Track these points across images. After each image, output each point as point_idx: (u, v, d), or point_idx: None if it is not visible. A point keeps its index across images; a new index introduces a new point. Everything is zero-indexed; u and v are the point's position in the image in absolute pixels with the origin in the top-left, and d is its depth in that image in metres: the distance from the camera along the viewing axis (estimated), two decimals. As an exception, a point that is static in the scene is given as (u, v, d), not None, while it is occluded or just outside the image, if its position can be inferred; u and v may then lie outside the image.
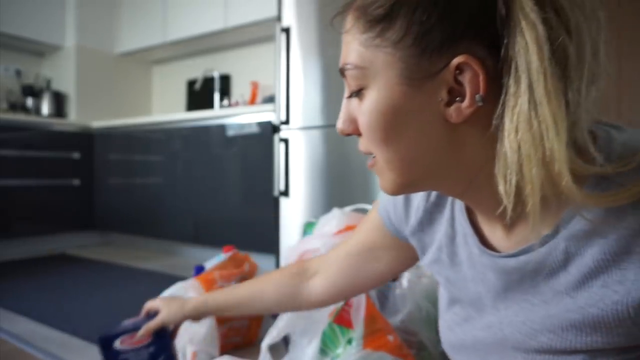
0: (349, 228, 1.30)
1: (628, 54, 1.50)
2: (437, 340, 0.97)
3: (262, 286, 0.80)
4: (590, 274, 0.40)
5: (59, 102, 3.49)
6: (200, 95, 3.57)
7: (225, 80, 3.45)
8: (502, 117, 0.39)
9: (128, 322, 0.87)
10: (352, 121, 0.47)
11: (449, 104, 0.41)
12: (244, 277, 1.34)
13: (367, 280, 0.71)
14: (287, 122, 2.11)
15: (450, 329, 0.56)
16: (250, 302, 0.80)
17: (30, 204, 2.91)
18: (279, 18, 2.14)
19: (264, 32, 3.00)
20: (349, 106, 0.47)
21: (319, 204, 2.02)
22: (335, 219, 1.35)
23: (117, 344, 0.83)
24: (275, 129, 2.20)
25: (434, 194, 0.57)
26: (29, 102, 3.48)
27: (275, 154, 2.20)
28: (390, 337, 0.90)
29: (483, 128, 0.41)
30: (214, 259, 1.41)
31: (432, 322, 1.02)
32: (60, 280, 2.19)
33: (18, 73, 3.55)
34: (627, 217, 0.38)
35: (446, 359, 0.63)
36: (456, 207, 0.54)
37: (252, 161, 2.44)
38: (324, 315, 0.96)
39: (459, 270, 0.55)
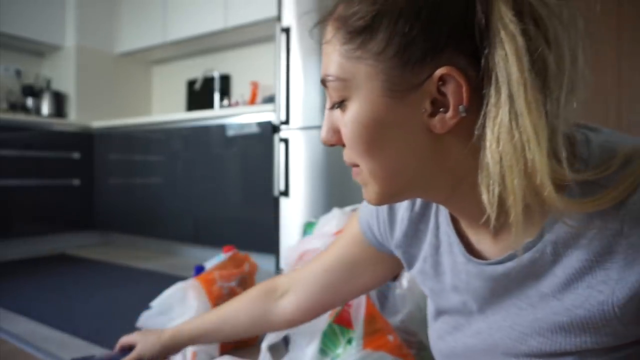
0: (349, 228, 1.30)
1: (628, 54, 1.50)
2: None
3: (232, 312, 0.78)
4: (575, 275, 0.41)
5: (59, 102, 3.49)
6: (200, 95, 3.57)
7: (225, 80, 3.45)
8: (483, 127, 0.39)
9: (101, 356, 0.85)
10: (336, 131, 0.47)
11: (432, 114, 0.41)
12: (244, 277, 1.34)
13: (346, 296, 0.69)
14: (287, 122, 2.11)
15: (441, 338, 0.56)
16: (222, 328, 0.78)
17: (30, 204, 2.91)
18: (279, 18, 2.14)
19: (264, 32, 3.01)
20: (331, 116, 0.47)
21: (319, 204, 2.02)
22: (335, 219, 1.35)
23: None
24: (275, 129, 2.21)
25: (418, 204, 0.56)
26: (29, 102, 3.48)
27: (275, 154, 2.20)
28: (390, 337, 0.90)
29: (466, 138, 0.41)
30: (214, 259, 1.41)
31: (432, 322, 1.02)
32: (60, 280, 2.19)
33: (18, 73, 3.55)
34: (609, 219, 0.38)
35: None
36: (441, 216, 0.54)
37: (252, 161, 2.44)
38: (324, 316, 0.96)
39: (442, 280, 0.55)
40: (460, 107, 0.40)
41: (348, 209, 1.45)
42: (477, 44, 0.38)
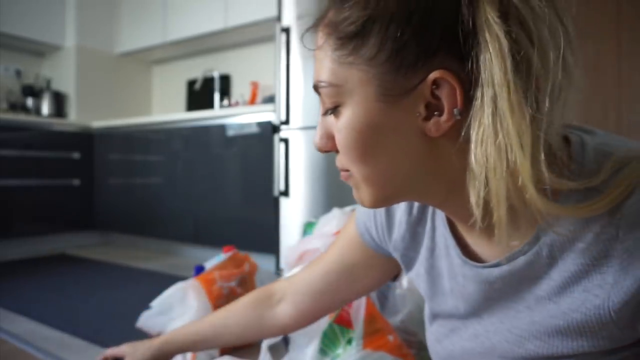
0: (349, 228, 1.30)
1: (628, 54, 1.50)
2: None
3: (225, 319, 0.77)
4: (571, 279, 0.41)
5: (59, 102, 3.49)
6: (200, 95, 3.57)
7: (225, 80, 3.45)
8: (469, 129, 0.39)
9: None
10: (330, 137, 0.46)
11: (427, 118, 0.41)
12: (244, 277, 1.34)
13: (344, 299, 0.69)
14: (287, 122, 2.11)
15: (438, 341, 0.56)
16: (215, 336, 0.77)
17: (30, 204, 2.91)
18: (279, 18, 2.14)
19: (264, 32, 3.01)
20: (325, 122, 0.47)
21: (319, 204, 2.02)
22: (335, 219, 1.35)
23: None
24: (275, 129, 2.21)
25: (416, 207, 0.56)
26: (29, 102, 3.48)
27: (275, 154, 2.20)
28: (390, 337, 0.90)
29: (458, 140, 0.41)
30: (214, 259, 1.41)
31: (432, 322, 1.02)
32: (60, 280, 2.19)
33: (18, 73, 3.55)
34: (604, 224, 0.38)
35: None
36: (437, 219, 0.54)
37: (252, 161, 2.44)
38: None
39: (437, 283, 0.55)
40: (455, 110, 0.40)
41: (348, 209, 1.45)
42: (466, 46, 0.38)
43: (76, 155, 3.16)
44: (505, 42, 0.36)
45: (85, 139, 3.23)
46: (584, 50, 0.41)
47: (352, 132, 0.43)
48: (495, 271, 0.46)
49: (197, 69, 3.62)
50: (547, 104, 0.37)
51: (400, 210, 0.58)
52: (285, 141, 2.12)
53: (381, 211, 0.60)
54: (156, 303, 1.25)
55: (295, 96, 2.09)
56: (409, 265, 0.59)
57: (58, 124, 3.11)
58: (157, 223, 2.93)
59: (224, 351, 1.22)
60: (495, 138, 0.36)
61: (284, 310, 0.73)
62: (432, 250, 0.54)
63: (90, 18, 3.59)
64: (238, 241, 2.09)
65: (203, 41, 3.35)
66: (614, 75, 1.53)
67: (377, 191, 0.45)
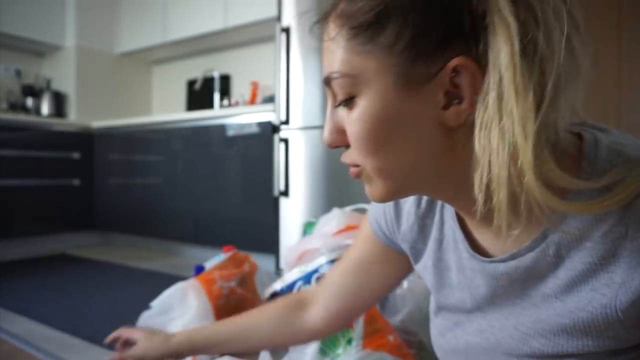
0: (349, 228, 1.30)
1: (628, 54, 1.50)
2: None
3: (254, 321, 0.75)
4: (579, 277, 0.40)
5: (59, 102, 3.49)
6: (200, 95, 3.57)
7: (225, 80, 3.45)
8: (476, 113, 0.39)
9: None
10: (340, 132, 0.46)
11: (445, 107, 0.40)
12: (244, 277, 1.34)
13: (366, 299, 0.68)
14: (287, 122, 2.11)
15: (442, 335, 0.56)
16: (240, 338, 0.74)
17: (30, 204, 2.91)
18: (279, 18, 2.14)
19: (264, 32, 3.01)
20: (335, 117, 0.46)
21: (319, 204, 2.02)
22: (335, 219, 1.35)
23: None
24: (275, 129, 2.21)
25: (424, 199, 0.56)
26: (29, 102, 3.48)
27: (275, 154, 2.20)
28: (390, 337, 0.90)
29: (472, 127, 0.40)
30: (214, 259, 1.41)
31: (432, 322, 1.02)
32: (60, 280, 2.19)
33: (18, 73, 3.55)
34: (614, 222, 0.38)
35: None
36: (446, 212, 0.53)
37: (252, 161, 2.44)
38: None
39: (444, 276, 0.55)
40: (477, 98, 0.39)
41: (348, 209, 1.45)
42: (477, 30, 0.38)
43: (76, 155, 3.16)
44: (513, 25, 0.36)
45: (85, 139, 3.23)
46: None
47: (368, 123, 0.42)
48: (501, 267, 0.45)
49: (197, 69, 3.62)
50: (551, 90, 0.37)
51: (408, 202, 0.58)
52: (285, 141, 2.12)
53: (390, 204, 0.60)
54: (156, 303, 1.25)
55: (295, 96, 2.09)
56: (417, 258, 0.59)
57: (58, 124, 3.11)
58: (157, 223, 2.93)
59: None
60: (499, 121, 0.36)
61: (314, 314, 0.71)
62: (440, 242, 0.54)
63: (90, 18, 3.59)
64: (238, 241, 2.08)
65: (203, 41, 3.35)
66: (614, 75, 1.52)
67: (390, 184, 0.45)
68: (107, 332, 1.46)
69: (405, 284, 1.11)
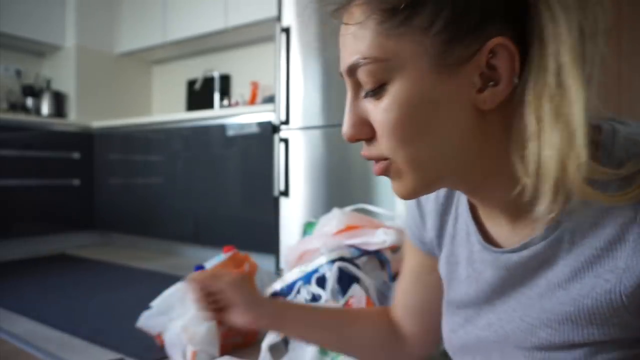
0: (349, 228, 1.30)
1: (628, 54, 1.50)
2: (437, 340, 0.97)
3: (356, 327, 0.67)
4: (584, 265, 0.40)
5: (59, 102, 3.49)
6: (200, 95, 3.57)
7: (225, 80, 3.45)
8: (524, 92, 0.38)
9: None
10: (365, 124, 0.44)
11: (480, 90, 0.40)
12: (244, 277, 1.34)
13: (432, 310, 0.63)
14: (287, 122, 2.11)
15: (453, 331, 0.56)
16: (337, 336, 0.65)
17: (30, 204, 2.91)
18: (279, 18, 2.14)
19: (264, 32, 3.00)
20: (357, 108, 0.44)
21: (319, 204, 2.02)
22: (335, 219, 1.35)
23: None
24: (275, 129, 2.21)
25: (442, 196, 0.56)
26: (29, 102, 3.48)
27: (275, 154, 2.20)
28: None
29: (507, 112, 0.40)
30: (214, 259, 1.41)
31: (432, 322, 1.02)
32: (60, 280, 2.19)
33: (18, 73, 3.55)
34: (625, 208, 0.38)
35: (447, 359, 0.62)
36: (461, 206, 0.54)
37: (252, 161, 2.44)
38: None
39: (454, 270, 0.55)
40: (515, 78, 0.39)
41: (348, 209, 1.45)
42: (517, 9, 0.38)
43: (76, 155, 3.16)
44: (573, 5, 0.36)
45: (85, 139, 3.23)
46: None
47: (401, 110, 0.41)
48: (514, 257, 0.45)
49: (197, 69, 3.62)
50: (593, 71, 0.37)
51: (430, 201, 0.58)
52: (285, 141, 2.12)
53: (412, 206, 0.60)
54: (156, 303, 1.25)
55: (295, 96, 2.09)
56: (437, 253, 0.59)
57: (58, 124, 3.11)
58: (157, 223, 2.93)
59: (224, 351, 1.22)
60: (553, 95, 0.36)
61: (409, 344, 0.67)
62: (453, 237, 0.54)
63: (90, 18, 3.59)
64: (238, 241, 2.08)
65: (203, 41, 3.35)
66: (613, 75, 1.52)
67: (421, 176, 0.43)
68: (107, 332, 1.46)
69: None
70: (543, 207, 0.38)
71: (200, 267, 1.35)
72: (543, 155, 0.37)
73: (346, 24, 0.43)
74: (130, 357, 1.26)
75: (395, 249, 1.30)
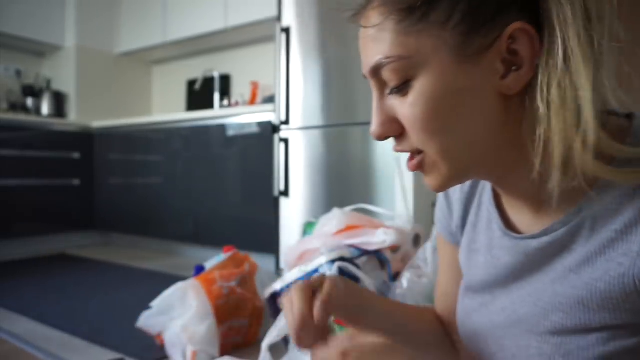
0: (349, 228, 1.30)
1: (628, 54, 1.50)
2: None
3: (421, 325, 0.65)
4: (599, 248, 0.41)
5: (59, 102, 3.49)
6: (200, 95, 3.57)
7: (225, 80, 3.45)
8: (536, 75, 0.40)
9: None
10: (393, 121, 0.45)
11: (504, 76, 0.41)
12: (244, 277, 1.34)
13: None
14: (287, 122, 2.11)
15: (468, 315, 0.56)
16: (404, 330, 0.62)
17: (30, 204, 2.91)
18: (279, 18, 2.14)
19: (264, 32, 3.01)
20: (384, 107, 0.45)
21: (319, 204, 2.02)
22: (335, 219, 1.35)
23: None
24: (275, 129, 2.21)
25: (467, 185, 0.57)
26: (29, 102, 3.48)
27: (275, 154, 2.20)
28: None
29: (526, 96, 0.41)
30: (214, 259, 1.41)
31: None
32: (60, 280, 2.19)
33: (18, 73, 3.55)
34: None
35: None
36: (485, 195, 0.55)
37: (252, 161, 2.44)
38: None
39: (473, 257, 0.55)
40: (536, 60, 0.40)
41: (348, 209, 1.45)
42: None
43: (76, 155, 3.16)
44: None
45: (85, 139, 3.23)
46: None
47: (429, 102, 0.42)
48: (534, 243, 0.46)
49: (197, 69, 3.62)
50: (602, 62, 0.38)
51: (456, 191, 0.59)
52: (285, 141, 2.12)
53: (442, 198, 0.61)
54: (156, 303, 1.25)
55: (295, 96, 2.09)
56: (460, 240, 0.60)
57: (58, 124, 3.11)
58: (157, 223, 2.93)
59: (224, 351, 1.22)
60: (563, 78, 0.38)
61: (454, 334, 0.65)
62: (475, 225, 0.55)
63: (90, 18, 3.59)
64: (238, 241, 2.09)
65: (203, 41, 3.35)
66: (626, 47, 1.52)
67: (454, 166, 0.44)
68: (107, 332, 1.46)
69: (405, 283, 1.12)
70: (551, 185, 0.39)
71: (200, 267, 1.36)
72: (549, 136, 0.38)
73: (365, 27, 0.44)
74: (130, 357, 1.26)
75: (395, 249, 1.30)
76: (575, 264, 0.42)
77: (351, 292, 0.55)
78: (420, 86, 0.42)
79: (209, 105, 3.48)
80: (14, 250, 2.87)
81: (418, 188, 1.73)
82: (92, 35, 3.61)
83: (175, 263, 2.67)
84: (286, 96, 2.10)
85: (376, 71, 0.44)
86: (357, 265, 1.19)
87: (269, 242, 2.23)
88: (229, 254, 1.42)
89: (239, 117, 2.49)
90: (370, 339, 0.48)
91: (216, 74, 3.40)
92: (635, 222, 0.38)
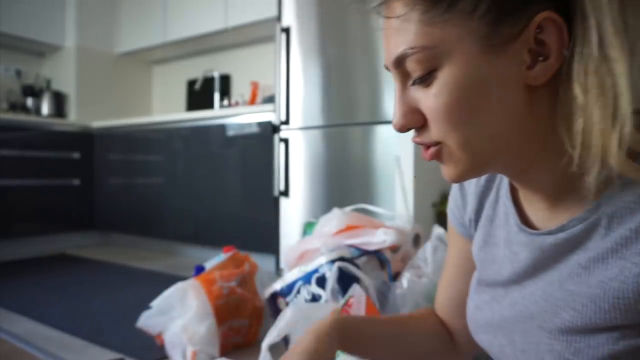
0: (349, 228, 1.30)
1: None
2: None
3: (412, 332, 0.65)
4: (614, 247, 0.40)
5: (59, 102, 3.49)
6: (200, 95, 3.57)
7: (225, 80, 3.45)
8: (570, 65, 0.39)
9: None
10: (415, 112, 0.45)
11: (530, 66, 0.40)
12: (244, 277, 1.34)
13: None
14: (287, 122, 2.11)
15: (479, 308, 0.56)
16: (397, 343, 0.63)
17: (30, 204, 2.91)
18: (279, 18, 2.14)
19: (264, 32, 3.00)
20: (406, 98, 0.45)
21: (319, 204, 2.02)
22: (335, 219, 1.35)
23: None
24: (275, 129, 2.21)
25: (483, 178, 0.57)
26: (29, 102, 3.48)
27: (275, 154, 2.20)
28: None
29: (555, 88, 0.41)
30: (214, 259, 1.41)
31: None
32: (60, 280, 2.19)
33: (18, 73, 3.55)
34: None
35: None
36: (502, 189, 0.54)
37: (252, 161, 2.44)
38: (324, 316, 0.96)
39: (490, 252, 0.55)
40: (565, 51, 0.39)
41: (348, 209, 1.45)
42: None
43: (76, 155, 3.16)
44: None
45: (85, 139, 3.23)
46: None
47: (452, 94, 0.41)
48: (550, 239, 0.46)
49: (197, 69, 3.62)
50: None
51: (471, 184, 0.59)
52: (285, 141, 2.12)
53: (456, 190, 0.61)
54: (156, 303, 1.25)
55: (295, 96, 2.09)
56: (473, 235, 0.60)
57: (58, 124, 3.11)
58: (157, 223, 2.93)
59: (224, 351, 1.22)
60: (599, 66, 0.37)
61: (458, 343, 0.67)
62: (492, 220, 0.55)
63: (90, 18, 3.59)
64: (238, 241, 2.08)
65: (203, 41, 3.35)
66: None
67: (473, 158, 0.44)
68: (107, 332, 1.46)
69: (405, 283, 1.11)
70: (591, 177, 0.39)
71: (200, 267, 1.36)
72: (589, 127, 0.38)
73: (388, 17, 0.44)
74: (130, 357, 1.26)
75: (395, 249, 1.30)
76: (589, 262, 0.42)
77: (346, 336, 0.58)
78: (444, 77, 0.42)
79: (209, 105, 3.48)
80: (14, 250, 2.87)
81: (418, 188, 1.73)
82: (92, 35, 3.61)
83: (175, 263, 2.67)
84: (286, 96, 2.10)
85: (400, 62, 0.44)
86: (357, 265, 1.19)
87: (269, 242, 2.23)
88: (229, 254, 1.42)
89: (239, 117, 2.49)
90: None
91: (216, 74, 3.40)
92: None
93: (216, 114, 2.61)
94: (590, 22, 0.37)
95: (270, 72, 2.67)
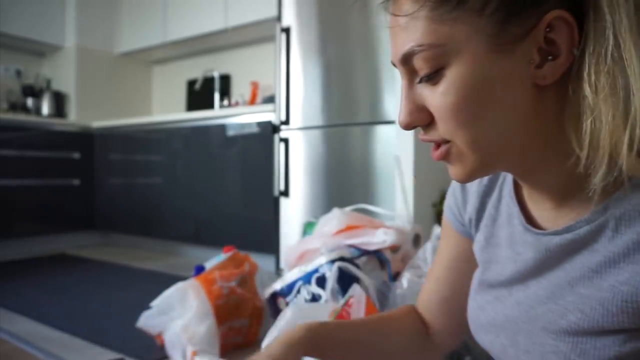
0: (349, 228, 1.30)
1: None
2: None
3: (385, 331, 0.65)
4: (624, 251, 0.40)
5: (59, 102, 3.49)
6: (200, 95, 3.57)
7: (225, 80, 3.45)
8: (581, 64, 0.39)
9: None
10: (421, 110, 0.44)
11: (539, 66, 0.40)
12: (244, 277, 1.34)
13: (461, 303, 0.62)
14: (287, 122, 2.12)
15: (481, 309, 0.56)
16: (372, 343, 0.62)
17: (30, 204, 2.91)
18: (279, 18, 2.14)
19: (264, 32, 3.00)
20: (413, 95, 0.45)
21: (319, 204, 2.03)
22: (335, 219, 1.35)
23: None
24: (275, 129, 2.21)
25: (485, 178, 0.57)
26: (29, 102, 3.48)
27: (275, 154, 2.20)
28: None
29: (563, 88, 0.40)
30: (214, 259, 1.41)
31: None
32: (60, 280, 2.19)
33: (18, 73, 3.55)
34: None
35: (446, 359, 0.62)
36: (505, 189, 0.54)
37: (252, 161, 2.44)
38: (324, 315, 0.96)
39: (492, 252, 0.55)
40: (574, 50, 0.39)
41: (348, 209, 1.45)
42: None
43: (76, 155, 3.16)
44: None
45: (85, 139, 3.23)
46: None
47: (461, 91, 0.41)
48: (556, 239, 0.45)
49: (197, 69, 3.62)
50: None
51: (473, 184, 0.58)
52: (285, 141, 2.12)
53: (457, 188, 0.60)
54: (156, 303, 1.25)
55: (295, 96, 2.09)
56: (473, 235, 0.59)
57: (58, 124, 3.11)
58: (157, 223, 2.93)
59: (224, 351, 1.22)
60: (612, 66, 0.37)
61: (437, 338, 0.66)
62: (495, 219, 0.55)
63: (90, 18, 3.59)
64: (238, 241, 2.08)
65: (203, 41, 3.35)
66: None
67: (481, 157, 0.44)
68: (107, 332, 1.46)
69: (405, 283, 1.12)
70: (598, 178, 0.38)
71: (200, 267, 1.36)
72: (598, 127, 0.37)
73: (396, 15, 0.43)
74: (130, 357, 1.26)
75: (395, 249, 1.30)
76: (599, 265, 0.41)
77: (318, 344, 0.57)
78: (452, 75, 0.41)
79: (209, 105, 3.48)
80: (14, 250, 2.87)
81: (418, 188, 1.73)
82: (92, 35, 3.61)
83: (175, 263, 2.67)
84: (286, 96, 2.11)
85: (407, 59, 0.43)
86: (357, 265, 1.19)
87: (269, 242, 2.23)
88: (229, 254, 1.42)
89: (239, 117, 2.49)
90: None
91: (216, 74, 3.40)
92: None
93: (216, 114, 2.61)
94: (605, 21, 0.37)
95: (270, 72, 2.67)
